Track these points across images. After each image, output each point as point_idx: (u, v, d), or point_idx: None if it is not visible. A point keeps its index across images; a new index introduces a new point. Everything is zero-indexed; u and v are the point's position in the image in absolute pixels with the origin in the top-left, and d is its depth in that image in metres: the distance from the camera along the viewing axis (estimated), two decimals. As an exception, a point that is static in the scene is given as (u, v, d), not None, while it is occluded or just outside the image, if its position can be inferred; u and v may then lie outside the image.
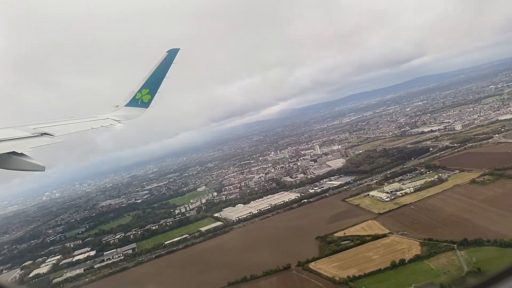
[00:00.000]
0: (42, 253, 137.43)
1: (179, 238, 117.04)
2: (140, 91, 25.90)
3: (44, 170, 11.57)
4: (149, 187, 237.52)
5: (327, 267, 76.19)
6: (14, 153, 11.64)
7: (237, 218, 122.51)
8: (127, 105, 25.84)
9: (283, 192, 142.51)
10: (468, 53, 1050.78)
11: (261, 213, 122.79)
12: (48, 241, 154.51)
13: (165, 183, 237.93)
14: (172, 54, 26.02)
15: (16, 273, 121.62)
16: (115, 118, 23.28)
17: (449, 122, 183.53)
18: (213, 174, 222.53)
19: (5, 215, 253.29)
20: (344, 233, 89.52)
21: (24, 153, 11.87)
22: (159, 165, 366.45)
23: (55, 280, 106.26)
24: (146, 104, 26.08)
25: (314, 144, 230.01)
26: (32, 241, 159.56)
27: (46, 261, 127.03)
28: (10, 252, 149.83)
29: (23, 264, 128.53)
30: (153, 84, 25.95)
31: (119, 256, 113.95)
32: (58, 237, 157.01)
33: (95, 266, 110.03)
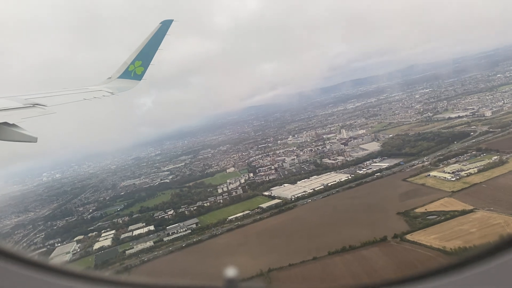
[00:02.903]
0: (92, 228, 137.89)
1: (241, 214, 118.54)
2: (133, 63, 26.50)
3: (36, 141, 11.54)
4: (166, 168, 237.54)
5: (426, 239, 79.40)
6: (5, 123, 11.66)
7: (294, 197, 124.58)
8: (120, 77, 26.45)
9: (329, 173, 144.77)
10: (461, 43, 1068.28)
11: (317, 192, 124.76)
12: (88, 217, 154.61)
13: (182, 164, 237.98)
14: (165, 25, 26.54)
15: (74, 246, 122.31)
16: (107, 89, 23.77)
17: (473, 108, 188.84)
18: (233, 157, 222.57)
19: (10, 195, 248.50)
20: (426, 209, 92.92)
21: (15, 123, 11.89)
22: (159, 148, 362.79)
23: (127, 252, 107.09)
24: (139, 77, 26.76)
25: (331, 129, 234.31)
26: (67, 218, 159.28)
27: (102, 235, 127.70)
28: (50, 228, 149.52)
29: (76, 238, 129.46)
30: (146, 56, 26.53)
31: (185, 230, 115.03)
32: (97, 214, 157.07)
33: (165, 239, 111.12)
